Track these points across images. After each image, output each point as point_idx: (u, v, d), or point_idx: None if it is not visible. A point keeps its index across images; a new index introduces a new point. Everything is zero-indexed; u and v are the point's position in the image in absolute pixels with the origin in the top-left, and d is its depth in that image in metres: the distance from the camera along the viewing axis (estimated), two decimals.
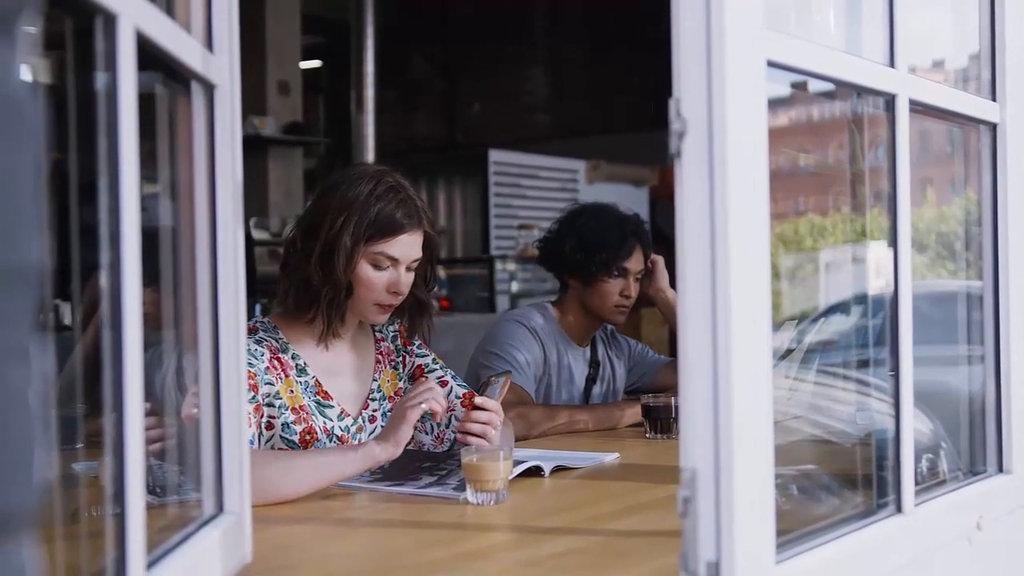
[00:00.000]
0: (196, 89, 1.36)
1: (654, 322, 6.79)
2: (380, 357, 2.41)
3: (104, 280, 1.02)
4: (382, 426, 2.32)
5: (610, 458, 2.40)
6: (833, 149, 2.09)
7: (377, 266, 2.22)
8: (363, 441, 2.22)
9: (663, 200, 8.14)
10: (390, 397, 2.39)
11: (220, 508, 1.40)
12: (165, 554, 1.19)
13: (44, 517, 0.66)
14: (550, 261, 3.17)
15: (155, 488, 1.39)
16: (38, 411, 0.60)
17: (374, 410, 2.36)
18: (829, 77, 1.48)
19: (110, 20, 1.01)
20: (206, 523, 1.36)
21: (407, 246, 2.24)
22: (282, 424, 2.18)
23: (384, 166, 2.34)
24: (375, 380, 2.38)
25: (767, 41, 1.27)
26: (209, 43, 1.37)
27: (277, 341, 2.25)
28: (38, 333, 0.61)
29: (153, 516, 1.11)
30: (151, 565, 1.11)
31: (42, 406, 0.60)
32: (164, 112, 1.34)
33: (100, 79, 1.03)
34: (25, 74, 0.62)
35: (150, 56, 1.13)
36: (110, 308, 1.02)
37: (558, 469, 2.23)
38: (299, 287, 2.23)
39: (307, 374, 2.26)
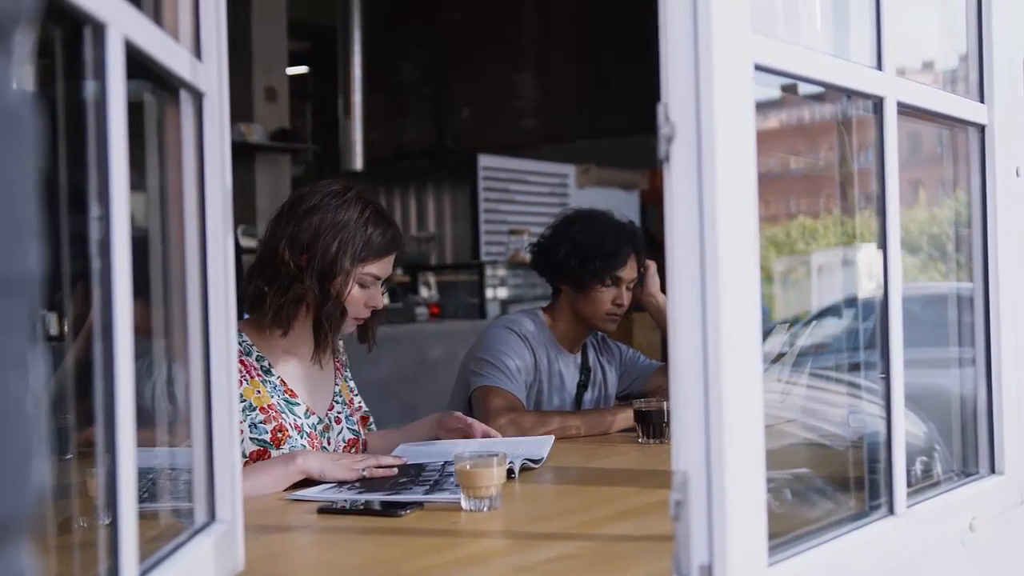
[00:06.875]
0: (185, 97, 1.35)
1: (645, 327, 6.80)
2: (339, 366, 2.53)
3: (95, 290, 1.02)
4: (348, 428, 2.47)
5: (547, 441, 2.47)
6: (824, 151, 2.10)
7: (363, 285, 2.34)
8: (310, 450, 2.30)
9: (654, 204, 8.16)
10: (348, 403, 2.51)
11: (212, 516, 1.40)
12: (158, 563, 1.19)
13: (39, 526, 0.66)
14: (543, 266, 3.16)
15: (143, 496, 1.38)
16: (36, 419, 0.60)
17: (338, 412, 2.47)
18: (816, 80, 1.48)
19: (99, 29, 1.01)
20: (198, 531, 1.36)
21: (390, 265, 2.39)
22: (250, 425, 2.25)
23: (351, 182, 2.40)
24: (336, 385, 2.50)
25: (754, 45, 1.27)
26: (197, 51, 1.37)
27: (241, 344, 2.28)
28: (35, 342, 0.62)
29: (142, 525, 1.10)
30: (144, 574, 1.11)
31: (39, 414, 0.61)
32: (152, 120, 1.34)
33: (89, 87, 1.02)
34: (22, 84, 0.63)
35: (138, 64, 1.13)
36: (101, 318, 1.02)
37: (525, 469, 2.25)
38: (292, 304, 2.31)
39: (273, 375, 2.34)
